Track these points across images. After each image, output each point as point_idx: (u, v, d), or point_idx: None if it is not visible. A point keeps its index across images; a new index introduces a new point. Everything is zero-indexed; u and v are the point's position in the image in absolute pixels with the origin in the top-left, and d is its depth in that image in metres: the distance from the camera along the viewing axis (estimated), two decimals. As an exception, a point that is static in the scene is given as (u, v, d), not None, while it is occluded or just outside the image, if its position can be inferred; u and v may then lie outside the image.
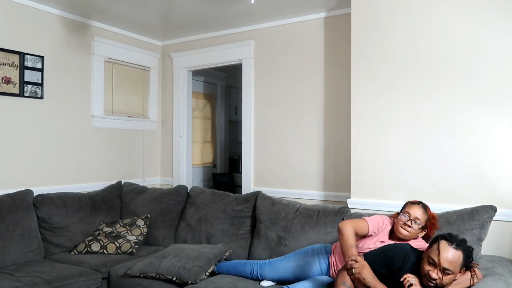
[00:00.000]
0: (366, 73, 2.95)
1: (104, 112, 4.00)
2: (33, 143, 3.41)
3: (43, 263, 2.95)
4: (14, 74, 3.26)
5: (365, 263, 2.01)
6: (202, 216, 3.40)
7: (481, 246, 2.40)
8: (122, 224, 3.48)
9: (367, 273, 1.96)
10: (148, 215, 3.61)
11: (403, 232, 2.31)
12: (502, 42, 2.52)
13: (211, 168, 6.13)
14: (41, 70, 3.43)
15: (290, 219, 2.99)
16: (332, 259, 2.51)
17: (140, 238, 3.43)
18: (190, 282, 2.60)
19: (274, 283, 2.65)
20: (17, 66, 3.28)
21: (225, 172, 6.36)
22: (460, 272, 1.93)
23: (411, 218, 2.31)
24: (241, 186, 4.06)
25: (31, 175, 3.38)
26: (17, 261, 2.93)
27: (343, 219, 2.81)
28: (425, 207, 2.37)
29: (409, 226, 2.30)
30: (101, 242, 3.24)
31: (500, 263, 2.27)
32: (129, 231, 3.41)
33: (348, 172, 3.08)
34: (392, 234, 2.41)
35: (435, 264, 1.90)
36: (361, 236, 2.43)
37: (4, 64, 3.20)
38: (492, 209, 2.39)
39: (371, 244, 2.39)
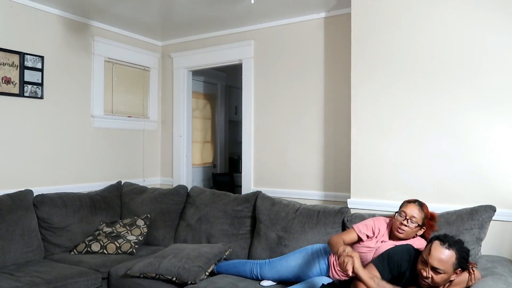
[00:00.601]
0: (366, 73, 2.95)
1: (104, 112, 4.00)
2: (33, 143, 3.41)
3: (43, 263, 2.95)
4: (14, 74, 3.26)
5: (355, 254, 1.99)
6: (202, 216, 3.40)
7: (480, 246, 2.40)
8: (122, 224, 3.48)
9: (356, 260, 1.97)
10: (148, 215, 3.61)
11: (400, 231, 2.32)
12: (502, 41, 2.52)
13: (211, 168, 6.13)
14: (41, 70, 3.43)
15: (290, 219, 2.99)
16: (331, 259, 2.51)
17: (140, 238, 3.43)
18: (189, 282, 2.60)
19: (274, 283, 2.65)
20: (17, 66, 3.28)
21: (225, 172, 6.36)
22: (455, 273, 1.93)
23: (407, 217, 2.32)
24: (241, 186, 4.06)
25: (31, 175, 3.39)
26: (17, 261, 2.93)
27: (343, 220, 2.82)
28: (421, 205, 2.37)
29: (405, 225, 2.31)
30: (101, 242, 3.24)
31: (500, 263, 2.27)
32: (129, 231, 3.41)
33: (348, 172, 3.08)
34: (392, 234, 2.41)
35: (426, 263, 1.92)
36: (357, 241, 2.48)
37: (4, 64, 3.20)
38: (491, 209, 2.39)
39: (371, 244, 2.40)
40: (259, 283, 2.65)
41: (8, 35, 3.25)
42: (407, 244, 2.21)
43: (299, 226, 2.93)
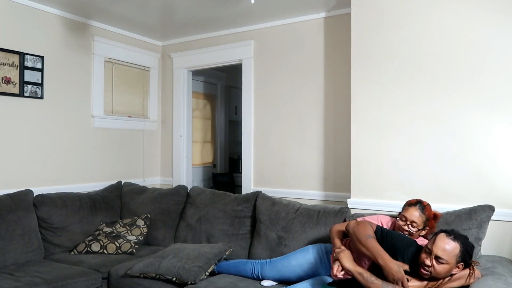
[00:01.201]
0: (366, 73, 2.95)
1: (104, 112, 4.00)
2: (33, 143, 3.41)
3: (43, 263, 2.95)
4: (14, 74, 3.26)
5: (346, 250, 2.15)
6: (202, 216, 3.40)
7: (480, 245, 2.40)
8: (122, 224, 3.48)
9: (344, 258, 2.09)
10: (148, 215, 3.61)
11: (405, 234, 2.31)
12: (503, 42, 2.52)
13: (211, 168, 6.13)
14: (41, 70, 3.43)
15: (290, 219, 2.99)
16: (332, 258, 2.50)
17: (140, 238, 3.43)
18: (189, 282, 2.60)
19: (275, 283, 2.65)
20: (17, 66, 3.28)
21: (225, 172, 6.36)
22: (457, 267, 1.93)
23: (407, 223, 2.32)
24: (241, 186, 4.06)
25: (31, 175, 3.39)
26: (17, 261, 2.93)
27: (345, 220, 2.82)
28: (423, 208, 2.35)
29: (406, 230, 2.32)
30: (101, 242, 3.24)
31: (500, 263, 2.27)
32: (129, 231, 3.41)
33: (348, 172, 3.08)
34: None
35: (430, 252, 1.93)
36: None
37: (4, 64, 3.20)
38: (490, 209, 2.39)
39: None
40: (260, 283, 2.65)
41: (8, 35, 3.25)
42: (413, 240, 2.22)
43: (299, 226, 2.93)
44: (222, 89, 6.31)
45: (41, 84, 3.43)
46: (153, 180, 4.56)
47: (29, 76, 3.35)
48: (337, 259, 2.12)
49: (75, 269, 2.85)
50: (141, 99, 4.44)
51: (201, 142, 5.85)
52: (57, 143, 3.58)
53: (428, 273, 1.94)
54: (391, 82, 2.86)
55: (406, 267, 1.99)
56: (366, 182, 2.94)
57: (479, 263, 2.07)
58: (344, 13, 3.41)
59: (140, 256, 3.19)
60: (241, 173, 4.12)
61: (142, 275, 2.76)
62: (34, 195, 3.23)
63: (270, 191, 3.59)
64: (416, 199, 2.41)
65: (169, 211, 3.62)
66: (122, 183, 4.02)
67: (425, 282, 1.99)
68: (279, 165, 3.81)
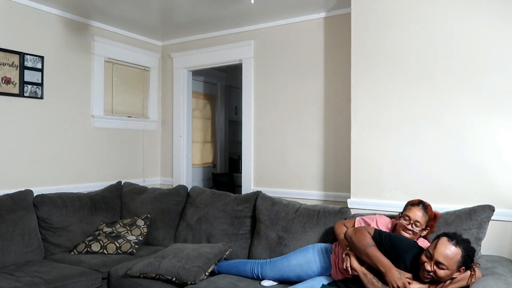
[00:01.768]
0: (366, 73, 2.95)
1: (104, 112, 4.00)
2: (33, 143, 3.41)
3: (43, 263, 2.95)
4: (14, 74, 3.26)
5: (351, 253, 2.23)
6: (202, 216, 3.40)
7: (480, 246, 2.40)
8: (122, 224, 3.48)
9: (353, 258, 2.20)
10: (148, 215, 3.61)
11: (406, 235, 2.31)
12: (502, 41, 2.52)
13: (211, 168, 6.13)
14: (41, 70, 3.43)
15: (290, 219, 2.99)
16: (333, 258, 2.51)
17: (140, 238, 3.43)
18: (189, 282, 2.60)
19: (275, 283, 2.65)
20: (17, 66, 3.28)
21: (225, 172, 6.37)
22: (458, 271, 1.93)
23: (411, 222, 2.32)
24: (241, 186, 4.06)
25: (31, 175, 3.39)
26: (17, 261, 2.93)
27: (345, 220, 2.81)
28: (425, 208, 2.36)
29: (410, 230, 2.31)
30: (101, 242, 3.24)
31: (500, 263, 2.27)
32: (129, 231, 3.41)
33: (348, 172, 3.08)
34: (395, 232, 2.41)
35: (431, 257, 1.92)
36: None
37: (4, 64, 3.20)
38: (490, 209, 2.39)
39: None
40: (260, 283, 2.65)
41: (8, 35, 3.25)
42: (413, 241, 2.23)
43: (299, 226, 2.93)
44: (222, 89, 6.31)
45: (41, 84, 3.43)
46: (153, 180, 4.56)
47: (29, 76, 3.34)
48: (347, 255, 2.25)
49: (75, 269, 2.85)
50: (141, 99, 4.44)
51: (201, 142, 5.85)
52: (57, 143, 3.58)
53: (429, 277, 1.94)
54: (391, 82, 2.86)
55: (408, 275, 2.00)
56: (366, 182, 2.93)
57: (480, 264, 2.07)
58: (344, 13, 3.41)
59: (140, 256, 3.19)
60: (241, 173, 4.12)
61: (142, 275, 2.76)
62: (34, 195, 3.23)
63: (270, 191, 3.59)
64: (418, 200, 2.42)
65: (169, 211, 3.62)
66: (122, 183, 4.02)
67: (426, 285, 1.99)
68: (279, 165, 3.81)
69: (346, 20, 3.26)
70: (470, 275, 1.94)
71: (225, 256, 2.94)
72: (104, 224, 3.47)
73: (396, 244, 2.12)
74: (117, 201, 3.81)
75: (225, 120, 6.40)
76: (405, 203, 2.47)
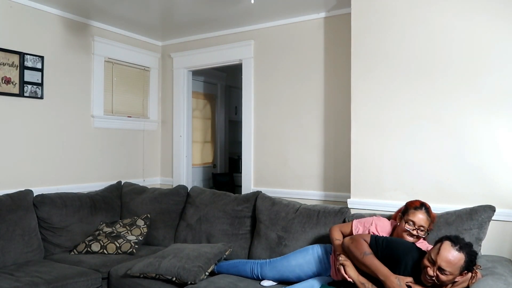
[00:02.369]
0: (366, 73, 2.95)
1: (104, 112, 4.00)
2: (33, 143, 3.41)
3: (43, 263, 2.94)
4: (14, 74, 3.26)
5: (348, 262, 2.20)
6: (202, 216, 3.40)
7: (480, 246, 2.40)
8: (122, 224, 3.48)
9: (349, 267, 2.16)
10: (148, 215, 3.61)
11: (409, 239, 2.28)
12: (503, 41, 2.52)
13: (211, 168, 6.13)
14: (41, 70, 3.43)
15: (290, 219, 2.99)
16: (332, 258, 2.51)
17: (140, 238, 3.43)
18: (189, 282, 2.60)
19: (275, 283, 2.65)
20: (17, 66, 3.28)
21: (225, 172, 6.36)
22: (461, 275, 1.92)
23: (416, 227, 2.28)
24: (241, 186, 4.06)
25: (31, 175, 3.39)
26: (17, 261, 2.93)
27: (343, 220, 2.82)
28: (427, 211, 2.33)
29: (415, 235, 2.28)
30: (101, 242, 3.24)
31: (500, 263, 2.27)
32: (129, 231, 3.41)
33: (348, 172, 3.08)
34: (393, 234, 2.40)
35: (433, 262, 1.90)
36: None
37: (4, 64, 3.20)
38: (490, 209, 2.38)
39: None
40: (260, 283, 2.65)
41: (8, 35, 3.25)
42: (412, 243, 2.21)
43: (299, 226, 2.93)
44: (222, 89, 6.31)
45: (41, 84, 3.43)
46: (153, 180, 4.56)
47: (29, 76, 3.34)
48: (341, 265, 2.20)
49: (75, 269, 2.85)
50: (141, 99, 4.44)
51: (201, 142, 5.85)
52: (57, 143, 3.58)
53: (431, 281, 1.92)
54: (391, 82, 2.86)
55: (409, 279, 1.99)
56: (366, 182, 2.93)
57: (481, 266, 2.06)
58: (344, 13, 3.41)
59: (140, 256, 3.19)
60: (241, 173, 4.12)
61: (142, 275, 2.76)
62: (34, 195, 3.23)
63: (270, 191, 3.59)
64: (419, 202, 2.38)
65: (169, 211, 3.62)
66: (122, 183, 4.02)
67: None
68: (279, 165, 3.81)
69: (346, 20, 3.26)
70: (471, 277, 1.94)
71: (225, 256, 2.94)
72: (104, 224, 3.47)
73: (394, 249, 2.10)
74: (117, 201, 3.81)
75: (225, 120, 6.40)
76: (405, 203, 2.47)
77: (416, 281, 2.00)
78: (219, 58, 4.21)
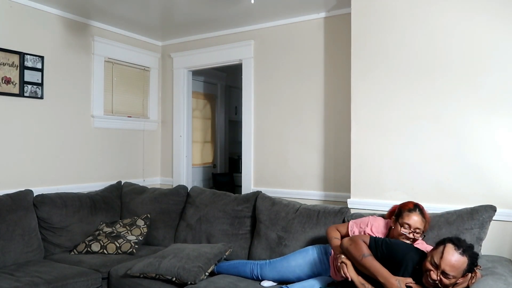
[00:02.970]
0: (366, 73, 2.95)
1: (104, 112, 4.00)
2: (33, 143, 3.41)
3: (43, 263, 2.94)
4: (14, 74, 3.26)
5: (348, 262, 2.17)
6: (202, 216, 3.40)
7: (480, 246, 2.39)
8: (122, 224, 3.48)
9: (349, 267, 2.14)
10: (148, 215, 3.61)
11: (405, 241, 2.26)
12: (502, 41, 2.52)
13: (211, 168, 6.13)
14: (41, 70, 3.43)
15: (290, 219, 2.99)
16: (332, 259, 2.50)
17: (140, 238, 3.43)
18: (189, 282, 2.60)
19: (274, 283, 2.65)
20: (17, 66, 3.28)
21: (225, 172, 6.36)
22: (463, 277, 1.92)
23: (412, 230, 2.25)
24: (241, 186, 4.06)
25: (31, 175, 3.39)
26: (17, 261, 2.93)
27: (343, 220, 2.81)
28: (422, 212, 2.30)
29: (411, 238, 2.25)
30: (101, 242, 3.24)
31: (500, 263, 2.27)
32: (129, 231, 3.41)
33: (348, 172, 3.08)
34: (389, 236, 2.39)
35: (436, 266, 1.89)
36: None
37: (4, 64, 3.20)
38: (491, 209, 2.38)
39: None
40: (260, 284, 2.65)
41: (8, 35, 3.25)
42: (410, 244, 2.20)
43: (299, 226, 2.93)
44: (222, 89, 6.31)
45: (41, 84, 3.43)
46: (153, 180, 4.56)
47: (29, 76, 3.34)
48: (341, 265, 2.18)
49: (75, 269, 2.85)
50: (141, 99, 4.44)
51: (201, 142, 5.85)
52: (57, 143, 3.58)
53: (434, 284, 1.91)
54: (391, 82, 2.86)
55: (409, 280, 1.98)
56: (366, 182, 2.93)
57: (481, 266, 2.06)
58: (344, 13, 3.41)
59: (140, 256, 3.19)
60: (241, 173, 4.12)
61: (142, 275, 2.76)
62: (34, 195, 3.23)
63: (270, 191, 3.59)
64: (412, 203, 2.35)
65: (169, 211, 3.62)
66: (122, 183, 4.02)
67: None
68: (279, 165, 3.81)
69: (346, 20, 3.26)
70: (471, 277, 1.94)
71: (225, 256, 2.94)
72: (104, 224, 3.47)
73: (394, 250, 2.08)
74: (117, 201, 3.81)
75: (225, 120, 6.40)
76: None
77: (416, 282, 2.00)
78: (219, 58, 4.21)
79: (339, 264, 2.20)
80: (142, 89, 4.45)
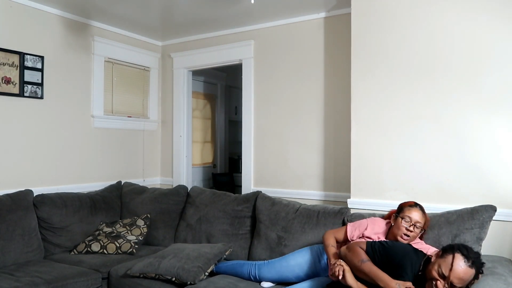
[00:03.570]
0: (366, 73, 2.95)
1: (104, 112, 4.00)
2: (33, 143, 3.41)
3: (43, 263, 2.94)
4: (14, 74, 3.26)
5: (347, 267, 2.10)
6: (202, 216, 3.40)
7: (481, 245, 2.39)
8: (122, 224, 3.48)
9: (347, 273, 2.06)
10: (148, 215, 3.61)
11: (405, 237, 2.27)
12: (502, 41, 2.52)
13: (211, 168, 6.13)
14: (41, 70, 3.43)
15: (290, 219, 2.99)
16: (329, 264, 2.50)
17: (140, 238, 3.43)
18: (189, 282, 2.60)
19: (274, 284, 2.64)
20: (17, 66, 3.28)
21: (225, 172, 6.36)
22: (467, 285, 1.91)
23: (412, 223, 2.27)
24: (241, 186, 4.06)
25: (31, 175, 3.39)
26: (17, 261, 2.93)
27: (343, 220, 2.81)
28: (422, 209, 2.35)
29: (411, 231, 2.26)
30: (101, 242, 3.24)
31: (500, 263, 2.27)
32: (129, 231, 3.41)
33: (348, 172, 3.08)
34: (389, 235, 2.39)
35: (444, 277, 1.86)
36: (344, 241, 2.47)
37: (4, 64, 3.20)
38: (491, 209, 2.38)
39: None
40: (260, 284, 2.64)
41: (8, 35, 3.25)
42: (407, 244, 2.19)
43: (299, 226, 2.93)
44: (222, 89, 6.31)
45: (41, 84, 3.43)
46: (153, 180, 4.56)
47: (29, 76, 3.34)
48: (339, 268, 2.11)
49: (75, 269, 2.85)
50: (141, 99, 4.45)
51: (201, 142, 5.85)
52: (57, 143, 3.58)
53: None
54: (391, 82, 2.86)
55: (408, 284, 1.96)
56: (366, 182, 2.93)
57: (483, 271, 2.05)
58: (344, 13, 3.41)
59: (140, 256, 3.19)
60: (241, 173, 4.12)
61: (142, 275, 2.76)
62: (34, 195, 3.23)
63: (270, 191, 3.59)
64: (413, 202, 2.39)
65: (169, 211, 3.62)
66: (122, 183, 4.02)
67: None
68: (279, 165, 3.81)
69: (346, 20, 3.26)
70: (473, 281, 1.93)
71: (225, 256, 2.94)
72: (104, 224, 3.47)
73: (392, 253, 2.06)
74: (117, 201, 3.81)
75: (225, 120, 6.40)
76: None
77: (416, 285, 1.99)
78: (219, 58, 4.21)
79: (337, 267, 2.11)
80: (142, 89, 4.45)
